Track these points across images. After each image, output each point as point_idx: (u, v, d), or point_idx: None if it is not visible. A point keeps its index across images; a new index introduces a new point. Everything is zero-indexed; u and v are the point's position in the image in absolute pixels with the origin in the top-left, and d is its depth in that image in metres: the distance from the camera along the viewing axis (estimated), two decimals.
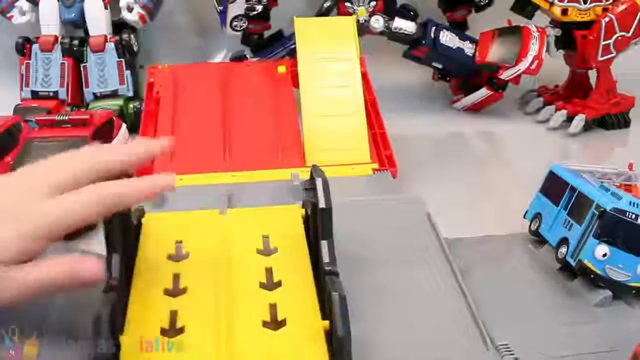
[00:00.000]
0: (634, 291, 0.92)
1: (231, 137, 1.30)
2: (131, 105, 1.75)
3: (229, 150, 1.29)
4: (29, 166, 0.77)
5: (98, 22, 1.76)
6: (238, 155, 1.27)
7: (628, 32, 1.69)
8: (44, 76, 1.76)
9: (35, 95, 1.76)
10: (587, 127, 1.69)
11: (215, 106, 1.39)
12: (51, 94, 1.76)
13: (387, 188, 1.22)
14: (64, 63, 1.76)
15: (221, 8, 1.74)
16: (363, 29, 1.77)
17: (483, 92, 1.82)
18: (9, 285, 0.67)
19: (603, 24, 1.68)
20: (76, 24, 1.80)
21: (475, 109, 1.86)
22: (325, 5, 1.77)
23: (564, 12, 1.73)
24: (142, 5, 1.78)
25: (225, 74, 1.50)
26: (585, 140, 1.68)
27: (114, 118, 1.51)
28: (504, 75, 1.75)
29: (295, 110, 1.41)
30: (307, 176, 0.87)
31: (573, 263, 0.95)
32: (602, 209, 0.92)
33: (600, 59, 1.71)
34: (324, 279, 0.71)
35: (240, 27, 1.78)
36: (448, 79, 1.94)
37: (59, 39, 1.77)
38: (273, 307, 0.71)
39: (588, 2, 1.71)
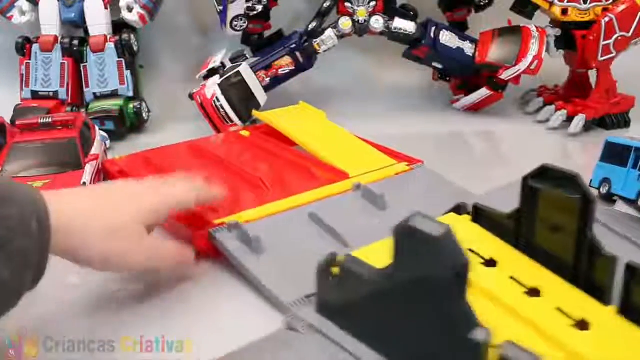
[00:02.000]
0: None
1: (259, 180, 1.19)
2: (131, 105, 1.75)
3: (266, 186, 1.17)
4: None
5: (98, 22, 1.76)
6: (278, 187, 1.17)
7: (628, 32, 1.69)
8: (44, 76, 1.76)
9: (35, 95, 1.76)
10: (587, 127, 1.69)
11: (218, 171, 1.25)
12: (51, 94, 1.76)
13: (439, 177, 1.29)
14: (64, 63, 1.76)
15: (221, 8, 1.74)
16: (363, 29, 1.77)
17: (483, 92, 1.82)
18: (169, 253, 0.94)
19: (603, 24, 1.68)
20: (76, 24, 1.80)
21: (475, 109, 1.86)
22: (325, 5, 1.77)
23: (564, 12, 1.73)
24: (142, 5, 1.78)
25: (198, 151, 1.41)
26: (585, 140, 1.68)
27: (89, 121, 1.47)
28: (504, 75, 1.75)
29: (295, 146, 1.40)
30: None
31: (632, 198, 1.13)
32: None
33: (600, 59, 1.71)
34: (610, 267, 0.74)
35: (240, 27, 1.78)
36: (448, 79, 1.94)
37: (59, 39, 1.77)
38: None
39: (588, 2, 1.71)
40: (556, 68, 1.86)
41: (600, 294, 0.75)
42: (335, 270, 0.78)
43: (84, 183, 1.23)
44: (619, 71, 1.75)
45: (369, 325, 0.76)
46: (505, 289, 0.77)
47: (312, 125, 1.52)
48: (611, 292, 0.75)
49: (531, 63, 1.72)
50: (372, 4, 1.75)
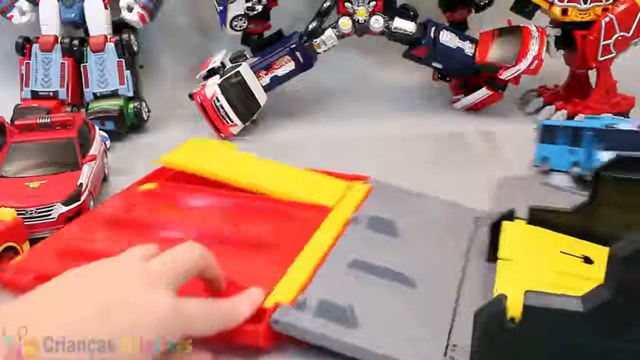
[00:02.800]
0: None
1: (251, 239, 1.02)
2: (131, 105, 1.75)
3: (264, 245, 1.01)
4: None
5: (98, 22, 1.76)
6: (276, 243, 1.01)
7: (628, 32, 1.69)
8: (44, 76, 1.77)
9: (35, 95, 1.76)
10: None
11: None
12: (51, 94, 1.76)
13: (401, 189, 1.23)
14: (64, 63, 1.76)
15: (221, 8, 1.74)
16: (363, 29, 1.77)
17: (483, 92, 1.82)
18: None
19: (603, 24, 1.68)
20: (76, 24, 1.80)
21: (475, 109, 1.86)
22: (325, 5, 1.77)
23: (564, 12, 1.73)
24: (142, 5, 1.78)
25: (117, 224, 1.13)
26: None
27: (88, 121, 1.47)
28: (504, 75, 1.75)
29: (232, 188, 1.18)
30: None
31: (588, 174, 1.27)
32: (594, 127, 1.33)
33: (600, 59, 1.70)
34: None
35: (240, 27, 1.78)
36: (448, 79, 1.94)
37: (59, 39, 1.77)
38: None
39: (588, 2, 1.71)
40: (556, 68, 1.86)
41: None
42: (516, 313, 0.66)
43: (81, 184, 1.22)
44: (619, 71, 1.75)
45: None
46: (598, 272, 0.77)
47: (235, 161, 1.29)
48: None
49: (531, 63, 1.72)
50: (372, 3, 1.75)
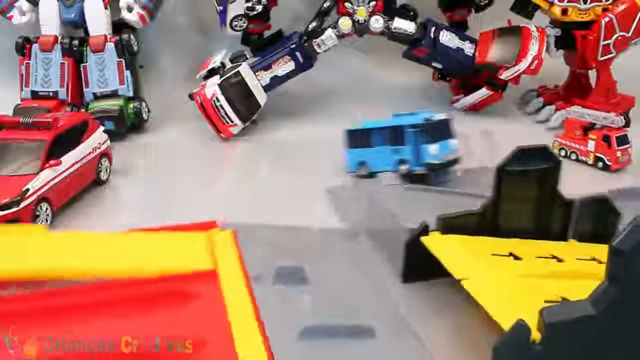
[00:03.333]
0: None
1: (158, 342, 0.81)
2: (131, 105, 1.75)
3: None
4: None
5: (98, 22, 1.76)
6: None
7: (628, 32, 1.69)
8: (44, 76, 1.76)
9: (35, 95, 1.76)
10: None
11: None
12: (51, 94, 1.76)
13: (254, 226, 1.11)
14: (64, 63, 1.76)
15: (221, 8, 1.74)
16: (363, 29, 1.77)
17: (483, 92, 1.82)
18: None
19: (603, 24, 1.68)
20: (76, 24, 1.80)
21: (475, 109, 1.86)
22: (325, 5, 1.77)
23: (564, 12, 1.73)
24: (142, 5, 1.78)
25: None
26: None
27: (90, 121, 1.46)
28: (504, 75, 1.75)
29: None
30: None
31: (422, 168, 1.33)
32: (416, 124, 1.36)
33: (600, 59, 1.70)
34: None
35: (240, 27, 1.78)
36: (448, 79, 1.94)
37: (59, 39, 1.77)
38: None
39: (588, 2, 1.71)
40: (556, 68, 1.86)
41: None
42: (537, 336, 0.69)
43: (26, 190, 1.19)
44: (619, 71, 1.75)
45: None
46: (542, 265, 0.87)
47: (54, 248, 1.00)
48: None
49: (531, 63, 1.72)
50: (372, 4, 1.75)
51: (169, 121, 1.85)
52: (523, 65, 1.73)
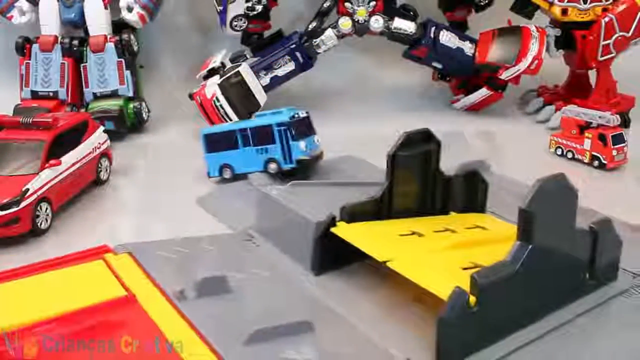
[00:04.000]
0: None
1: None
2: (131, 105, 1.75)
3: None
4: None
5: (98, 22, 1.76)
6: None
7: (628, 32, 1.69)
8: (44, 76, 1.77)
9: (35, 95, 1.76)
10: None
11: None
12: (51, 94, 1.76)
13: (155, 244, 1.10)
14: (64, 63, 1.76)
15: (221, 8, 1.74)
16: (363, 29, 1.77)
17: (483, 92, 1.82)
18: None
19: (603, 24, 1.68)
20: (76, 24, 1.80)
21: (475, 109, 1.86)
22: (325, 5, 1.77)
23: (564, 12, 1.73)
24: (142, 5, 1.78)
25: None
26: None
27: (89, 120, 1.47)
28: (504, 75, 1.75)
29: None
30: None
31: (293, 165, 1.37)
32: (284, 122, 1.38)
33: (600, 59, 1.71)
34: None
35: (240, 27, 1.78)
36: (448, 79, 1.94)
37: (59, 39, 1.77)
38: None
39: (588, 2, 1.71)
40: (556, 68, 1.86)
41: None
42: (473, 299, 0.78)
43: (26, 190, 1.19)
44: (619, 71, 1.75)
45: (515, 310, 0.83)
46: (443, 238, 0.99)
47: None
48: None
49: (531, 63, 1.72)
50: (372, 4, 1.75)
51: (169, 121, 1.86)
52: (523, 65, 1.73)
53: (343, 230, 0.99)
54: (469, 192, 1.12)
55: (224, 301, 0.91)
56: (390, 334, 0.85)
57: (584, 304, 0.89)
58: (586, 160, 1.48)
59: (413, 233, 1.00)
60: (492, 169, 1.30)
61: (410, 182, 1.06)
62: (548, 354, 0.82)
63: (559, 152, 1.53)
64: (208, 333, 0.81)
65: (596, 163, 1.46)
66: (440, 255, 0.94)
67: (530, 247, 0.82)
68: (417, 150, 1.06)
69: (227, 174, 1.43)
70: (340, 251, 0.98)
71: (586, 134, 1.49)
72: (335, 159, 1.48)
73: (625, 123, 1.73)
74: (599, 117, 1.49)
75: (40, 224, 1.21)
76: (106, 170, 1.46)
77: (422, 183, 1.08)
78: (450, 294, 0.77)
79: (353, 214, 1.01)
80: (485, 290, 0.79)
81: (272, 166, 1.40)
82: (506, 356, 0.81)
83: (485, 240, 0.99)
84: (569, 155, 1.51)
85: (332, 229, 0.99)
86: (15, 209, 1.17)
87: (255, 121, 1.45)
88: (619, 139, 1.46)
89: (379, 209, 1.04)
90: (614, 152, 1.45)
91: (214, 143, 1.44)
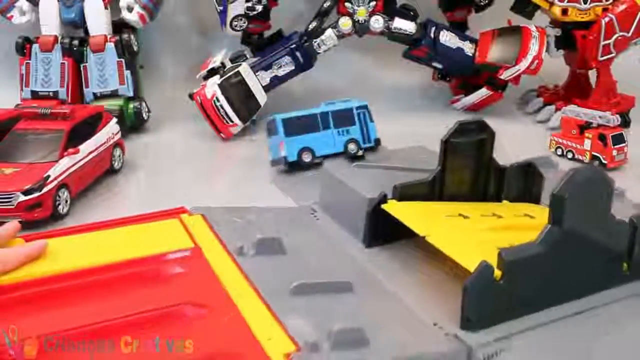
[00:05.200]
0: None
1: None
2: (131, 105, 1.75)
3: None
4: None
5: (98, 22, 1.76)
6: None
7: (628, 32, 1.69)
8: (44, 76, 1.77)
9: (35, 95, 1.77)
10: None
11: None
12: (51, 94, 1.76)
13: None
14: (64, 63, 1.76)
15: (221, 8, 1.74)
16: (363, 29, 1.77)
17: (483, 92, 1.82)
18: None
19: (603, 24, 1.68)
20: (76, 24, 1.80)
21: (475, 109, 1.86)
22: (325, 5, 1.77)
23: (564, 12, 1.73)
24: (142, 5, 1.78)
25: None
26: None
27: (103, 113, 1.53)
28: (504, 75, 1.75)
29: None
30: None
31: (372, 144, 1.49)
32: (362, 105, 1.50)
33: (600, 59, 1.71)
34: None
35: (240, 27, 1.78)
36: (448, 79, 1.94)
37: (59, 39, 1.77)
38: None
39: (588, 2, 1.71)
40: (556, 68, 1.86)
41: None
42: (498, 273, 0.82)
43: (47, 176, 1.27)
44: (619, 71, 1.75)
45: (542, 289, 0.87)
46: (487, 221, 1.03)
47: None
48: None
49: (531, 63, 1.72)
50: (372, 4, 1.75)
51: (169, 121, 1.86)
52: (523, 65, 1.73)
53: (392, 207, 1.04)
54: (523, 183, 1.15)
55: (277, 259, 0.99)
56: (423, 302, 0.90)
57: (617, 293, 0.91)
58: (586, 161, 1.48)
59: (459, 215, 1.04)
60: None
61: (462, 169, 1.11)
62: (570, 334, 0.84)
63: (559, 152, 1.53)
64: (259, 284, 0.90)
65: (596, 163, 1.46)
66: (480, 235, 0.97)
67: (558, 230, 0.85)
68: (471, 138, 1.11)
69: (308, 157, 1.46)
70: (389, 228, 1.03)
71: (586, 134, 1.49)
72: (402, 148, 1.53)
73: (626, 123, 1.73)
74: (599, 117, 1.49)
75: (61, 209, 1.29)
76: (119, 159, 1.53)
77: (475, 170, 1.12)
78: (477, 266, 0.82)
79: (404, 195, 1.06)
80: (510, 265, 0.83)
81: (352, 146, 1.46)
82: (527, 330, 0.84)
83: (529, 226, 0.97)
84: (569, 155, 1.51)
85: (383, 206, 1.04)
86: (37, 194, 1.25)
87: (327, 107, 1.50)
88: (619, 139, 1.46)
89: (430, 192, 1.08)
90: (614, 152, 1.45)
91: (293, 127, 1.46)
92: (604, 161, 1.45)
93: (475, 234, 0.98)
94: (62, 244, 0.99)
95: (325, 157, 1.45)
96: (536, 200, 1.16)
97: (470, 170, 1.12)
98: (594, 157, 1.47)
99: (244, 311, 0.85)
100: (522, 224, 1.04)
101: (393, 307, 0.90)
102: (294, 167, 1.45)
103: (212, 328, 0.83)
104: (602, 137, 1.46)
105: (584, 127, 1.51)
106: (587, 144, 1.48)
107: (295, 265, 0.98)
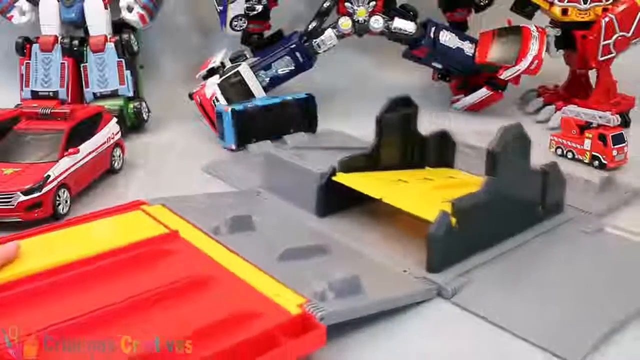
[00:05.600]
0: None
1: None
2: (131, 105, 1.75)
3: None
4: None
5: (98, 22, 1.76)
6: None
7: (628, 32, 1.69)
8: (44, 76, 1.77)
9: (35, 95, 1.77)
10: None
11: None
12: (51, 94, 1.76)
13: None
14: (64, 63, 1.76)
15: (221, 8, 1.74)
16: (363, 29, 1.77)
17: (483, 92, 1.82)
18: None
19: (603, 24, 1.68)
20: (76, 24, 1.80)
21: (475, 109, 1.86)
22: (325, 5, 1.77)
23: (564, 12, 1.73)
24: (142, 5, 1.78)
25: None
26: None
27: (103, 113, 1.53)
28: (504, 75, 1.75)
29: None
30: None
31: None
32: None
33: (600, 59, 1.71)
34: None
35: (240, 27, 1.78)
36: (448, 79, 1.94)
37: (59, 39, 1.77)
38: None
39: (588, 2, 1.71)
40: (556, 68, 1.86)
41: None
42: (453, 220, 1.01)
43: (47, 176, 1.28)
44: (619, 71, 1.75)
45: (486, 231, 1.06)
46: (424, 183, 1.25)
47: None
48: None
49: (531, 63, 1.72)
50: (372, 4, 1.75)
51: (169, 121, 1.86)
52: (523, 65, 1.73)
53: (342, 178, 1.21)
54: (440, 151, 1.36)
55: (250, 235, 1.11)
56: (389, 255, 1.08)
57: (540, 228, 1.16)
58: (586, 161, 1.48)
59: (399, 180, 1.24)
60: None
61: (393, 141, 1.30)
62: (512, 263, 1.06)
63: (559, 152, 1.53)
64: (247, 255, 1.00)
65: (596, 163, 1.46)
66: (424, 193, 1.19)
67: (496, 180, 1.06)
68: (399, 113, 1.30)
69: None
70: (338, 198, 1.22)
71: (586, 134, 1.49)
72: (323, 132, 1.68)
73: (626, 123, 1.73)
74: (599, 117, 1.49)
75: (61, 209, 1.30)
76: (119, 159, 1.53)
77: (403, 141, 1.32)
78: (437, 215, 1.01)
79: (348, 167, 1.24)
80: (462, 213, 1.02)
81: None
82: (480, 265, 1.04)
83: (458, 184, 1.21)
84: (569, 155, 1.51)
85: (333, 178, 1.20)
86: (38, 193, 1.25)
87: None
88: (619, 139, 1.46)
89: (369, 163, 1.27)
90: (614, 152, 1.45)
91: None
92: (604, 161, 1.45)
93: (421, 193, 1.19)
94: (38, 243, 1.04)
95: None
96: (450, 165, 1.36)
97: (399, 142, 1.31)
98: (594, 157, 1.47)
99: (243, 277, 0.93)
100: (450, 183, 1.26)
101: (364, 262, 1.05)
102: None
103: (221, 294, 0.90)
104: (602, 137, 1.46)
105: (584, 127, 1.51)
106: (587, 144, 1.48)
107: (267, 238, 1.10)
